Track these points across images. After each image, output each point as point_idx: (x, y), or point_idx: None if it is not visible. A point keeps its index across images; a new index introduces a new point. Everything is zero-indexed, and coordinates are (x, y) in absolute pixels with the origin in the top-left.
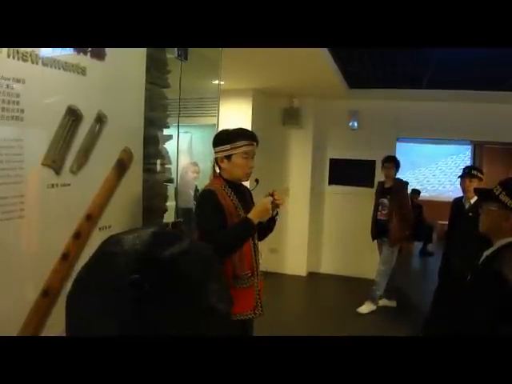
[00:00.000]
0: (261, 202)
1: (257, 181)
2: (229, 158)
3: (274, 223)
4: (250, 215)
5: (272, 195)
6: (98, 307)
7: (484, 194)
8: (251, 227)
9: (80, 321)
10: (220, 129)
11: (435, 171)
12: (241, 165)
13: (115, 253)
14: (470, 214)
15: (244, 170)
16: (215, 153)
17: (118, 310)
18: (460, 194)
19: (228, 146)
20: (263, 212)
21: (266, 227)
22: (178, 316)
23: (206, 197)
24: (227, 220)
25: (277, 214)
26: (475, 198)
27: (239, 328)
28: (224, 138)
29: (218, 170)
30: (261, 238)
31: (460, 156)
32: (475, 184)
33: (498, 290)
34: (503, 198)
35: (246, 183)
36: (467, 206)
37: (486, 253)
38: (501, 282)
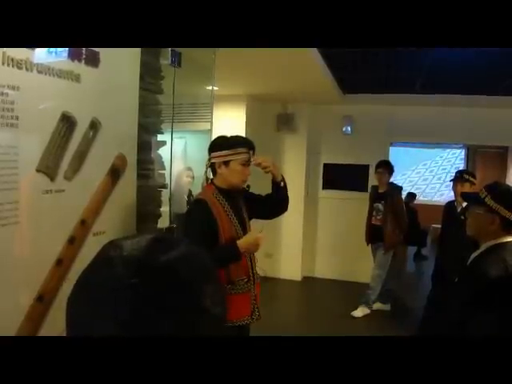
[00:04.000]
0: (254, 236)
1: (248, 187)
2: (227, 163)
3: (284, 191)
4: (239, 243)
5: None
6: (96, 310)
7: (470, 198)
8: (235, 255)
9: (79, 323)
10: (214, 134)
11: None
12: (238, 171)
13: (114, 257)
14: (462, 217)
15: (240, 177)
16: (212, 158)
17: (115, 312)
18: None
19: (228, 152)
20: (252, 246)
21: (276, 200)
22: (173, 319)
23: (195, 208)
24: (218, 228)
25: (282, 181)
26: None
27: (236, 334)
28: (224, 144)
29: (210, 177)
30: (275, 213)
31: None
32: (467, 188)
33: (484, 290)
34: (488, 201)
35: None
36: (459, 210)
37: (473, 255)
38: (486, 283)
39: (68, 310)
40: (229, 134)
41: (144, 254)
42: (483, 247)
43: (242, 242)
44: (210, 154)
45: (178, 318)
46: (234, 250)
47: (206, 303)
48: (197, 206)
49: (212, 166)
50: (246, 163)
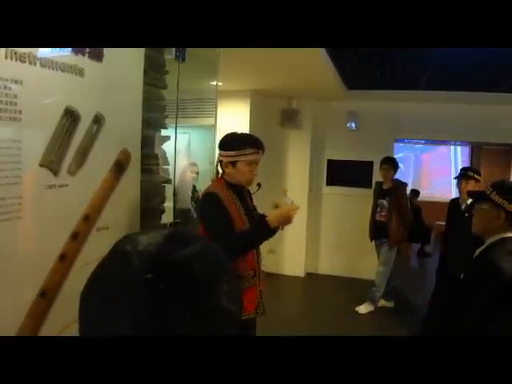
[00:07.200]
0: (286, 208)
1: (259, 185)
2: (234, 164)
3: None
4: (270, 219)
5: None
6: (111, 305)
7: (476, 195)
8: (269, 232)
9: (93, 318)
10: (218, 130)
11: None
12: (245, 172)
13: (129, 252)
14: (466, 214)
15: (247, 177)
16: (220, 156)
17: (131, 308)
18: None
19: (234, 153)
20: (285, 219)
21: None
22: (189, 316)
23: (209, 199)
24: (230, 221)
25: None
26: None
27: (242, 327)
28: (231, 144)
29: (220, 171)
30: None
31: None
32: (472, 185)
33: (491, 278)
34: (494, 196)
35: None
36: (463, 207)
37: (479, 250)
38: (493, 271)
39: (81, 305)
40: (239, 131)
41: (160, 249)
42: (488, 241)
43: (273, 217)
44: (219, 151)
45: (193, 315)
46: (264, 227)
47: (222, 301)
48: (210, 197)
49: (221, 163)
50: (253, 163)
